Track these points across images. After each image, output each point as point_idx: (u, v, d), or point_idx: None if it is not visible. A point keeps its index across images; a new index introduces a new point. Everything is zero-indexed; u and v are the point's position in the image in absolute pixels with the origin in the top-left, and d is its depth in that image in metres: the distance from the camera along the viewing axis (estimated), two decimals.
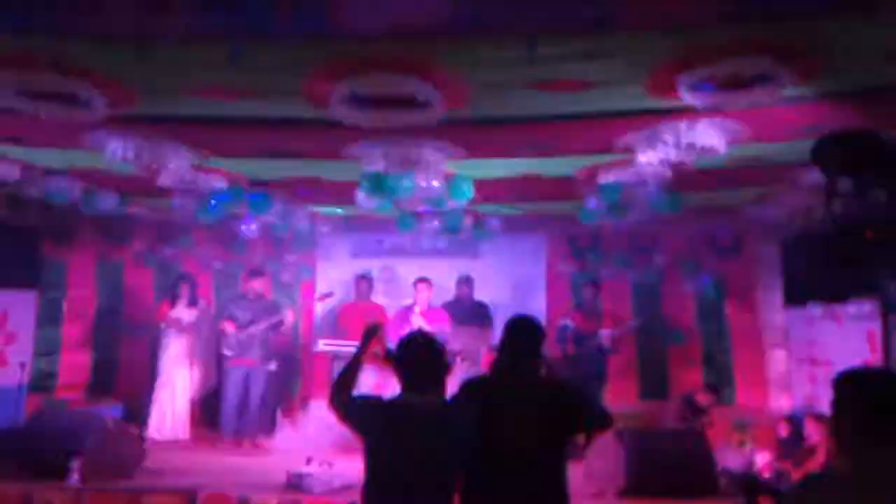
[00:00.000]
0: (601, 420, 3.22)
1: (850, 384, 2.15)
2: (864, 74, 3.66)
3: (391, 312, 7.93)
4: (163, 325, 7.60)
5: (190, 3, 3.06)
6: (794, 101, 3.92)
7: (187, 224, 7.53)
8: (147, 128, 4.62)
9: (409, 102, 3.88)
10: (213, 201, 6.16)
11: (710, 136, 4.34)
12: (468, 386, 3.20)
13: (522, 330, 3.25)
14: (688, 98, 3.76)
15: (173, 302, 7.67)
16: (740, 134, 4.39)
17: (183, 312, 7.65)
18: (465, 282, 7.87)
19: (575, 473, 5.69)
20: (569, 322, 7.50)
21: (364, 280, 8.08)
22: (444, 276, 7.94)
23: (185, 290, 7.70)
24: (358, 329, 7.41)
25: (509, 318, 3.31)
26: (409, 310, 7.12)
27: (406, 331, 6.85)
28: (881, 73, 3.62)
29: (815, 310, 6.94)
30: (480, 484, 3.01)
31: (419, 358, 3.02)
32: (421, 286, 7.20)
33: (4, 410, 6.65)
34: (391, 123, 4.07)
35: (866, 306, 6.11)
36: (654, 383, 8.00)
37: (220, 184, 5.84)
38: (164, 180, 5.46)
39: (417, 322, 6.95)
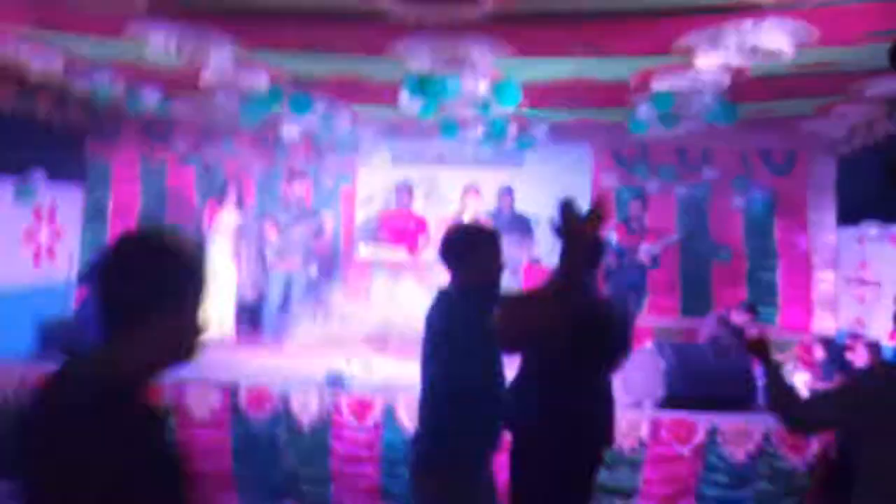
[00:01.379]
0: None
1: None
2: None
3: (432, 221, 7.88)
4: (207, 227, 7.65)
5: None
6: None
7: (230, 124, 7.47)
8: (190, 18, 4.50)
9: None
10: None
11: (776, 38, 4.09)
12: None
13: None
14: None
15: (221, 203, 7.69)
16: (808, 35, 4.13)
17: (230, 214, 7.68)
18: (506, 193, 7.75)
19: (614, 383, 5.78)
20: (613, 235, 7.38)
21: (405, 189, 8.01)
22: (486, 186, 7.82)
23: (232, 192, 7.72)
24: (398, 237, 7.53)
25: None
26: (457, 218, 7.03)
27: None
28: None
29: (870, 229, 6.73)
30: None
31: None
32: (470, 194, 7.06)
33: (55, 304, 6.84)
34: (438, 16, 3.90)
35: None
36: (696, 300, 7.89)
37: (261, 81, 5.72)
38: (206, 76, 5.38)
39: None
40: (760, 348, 2.79)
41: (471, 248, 3.03)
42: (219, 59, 5.01)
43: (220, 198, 7.74)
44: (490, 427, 2.97)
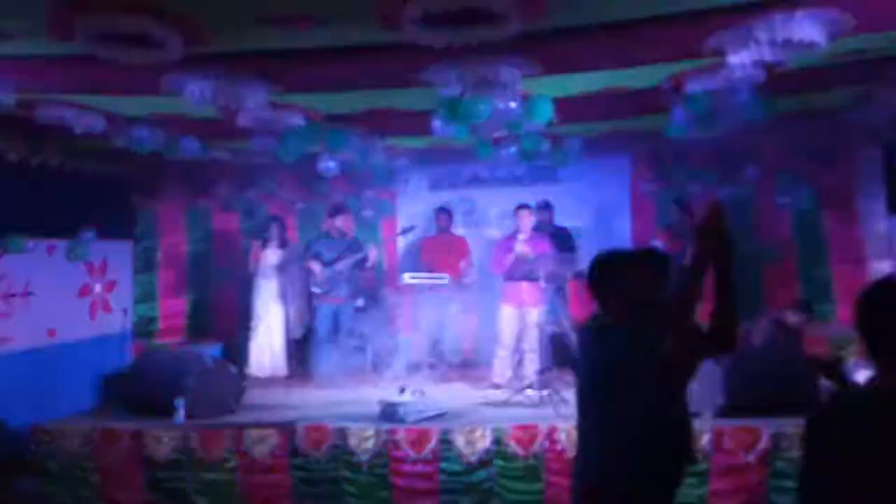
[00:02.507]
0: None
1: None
2: None
3: (473, 243, 7.88)
4: (253, 267, 7.76)
5: None
6: None
7: (269, 166, 7.60)
8: (222, 66, 4.60)
9: (482, 18, 3.72)
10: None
11: (808, 30, 4.00)
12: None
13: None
14: None
15: (265, 244, 7.82)
16: (843, 24, 4.04)
17: (274, 254, 7.80)
18: (545, 207, 7.71)
19: None
20: (657, 243, 7.28)
21: (444, 213, 8.04)
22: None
23: (275, 232, 7.86)
24: (441, 262, 7.54)
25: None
26: (511, 238, 7.02)
27: (510, 259, 6.86)
28: None
29: None
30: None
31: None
32: (522, 213, 7.07)
33: (112, 355, 6.98)
34: (465, 40, 3.91)
35: None
36: (747, 302, 7.71)
37: (297, 120, 5.81)
38: (243, 120, 5.49)
39: (522, 249, 6.84)
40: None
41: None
42: (254, 104, 5.10)
43: (263, 239, 7.86)
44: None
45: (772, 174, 7.64)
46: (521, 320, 6.84)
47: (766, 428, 4.83)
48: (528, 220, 6.97)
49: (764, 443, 4.78)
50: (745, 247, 7.50)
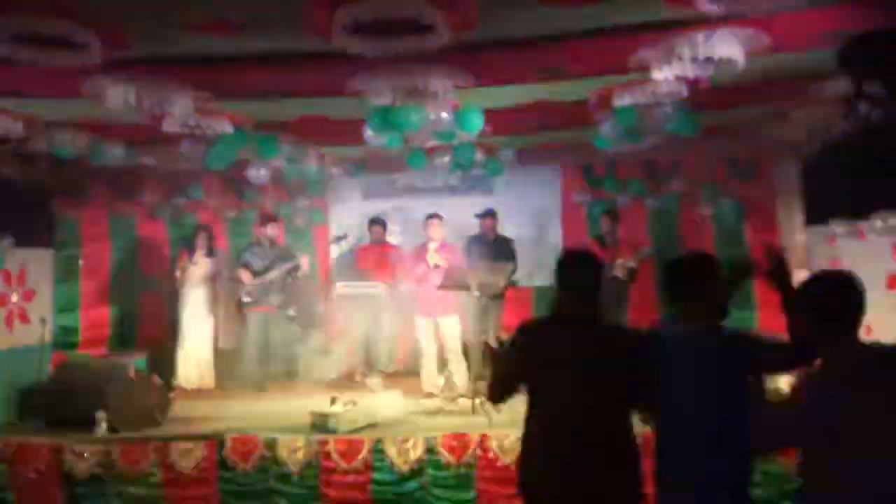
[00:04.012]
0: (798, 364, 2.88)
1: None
2: None
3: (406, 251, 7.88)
4: (178, 277, 7.58)
5: None
6: (817, 4, 3.74)
7: (197, 173, 7.45)
8: (146, 71, 4.50)
9: (413, 27, 3.74)
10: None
11: (727, 47, 4.15)
12: (528, 326, 3.15)
13: (578, 265, 3.12)
14: (707, 4, 3.60)
15: (191, 253, 7.64)
16: (759, 43, 4.20)
17: (201, 263, 7.64)
18: (488, 216, 7.75)
19: None
20: None
21: (377, 223, 7.99)
22: (459, 212, 7.84)
23: (202, 241, 7.68)
24: (375, 271, 7.50)
25: (562, 253, 3.22)
26: (423, 248, 7.05)
27: (421, 269, 6.88)
28: None
29: (837, 228, 6.81)
30: (538, 427, 3.02)
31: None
32: (432, 222, 7.12)
33: (30, 367, 6.71)
34: (395, 50, 3.93)
35: (891, 220, 5.97)
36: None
37: (225, 127, 5.71)
38: (168, 126, 5.37)
39: (433, 259, 6.87)
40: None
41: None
42: (179, 109, 5.00)
43: (189, 247, 7.69)
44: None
45: (696, 186, 7.87)
46: (437, 329, 6.86)
47: None
48: (437, 230, 7.05)
49: None
50: (671, 256, 7.82)
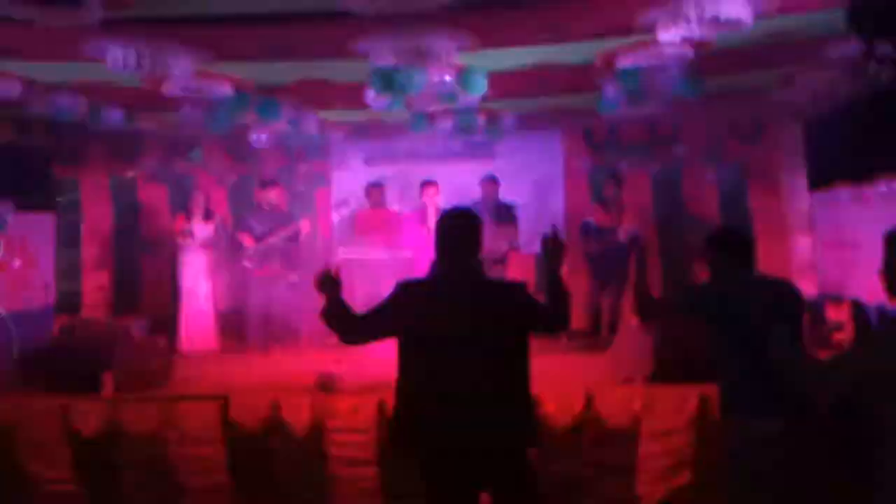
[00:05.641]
0: (553, 322, 3.16)
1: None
2: None
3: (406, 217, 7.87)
4: (179, 241, 7.57)
5: None
6: None
7: (197, 136, 7.41)
8: (146, 32, 4.45)
9: None
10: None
11: (735, 8, 4.11)
12: (406, 285, 3.11)
13: (456, 227, 3.09)
14: None
15: (188, 217, 7.62)
16: (767, 4, 4.16)
17: (198, 226, 7.62)
18: (490, 181, 7.71)
19: (602, 362, 5.79)
20: (591, 219, 7.40)
21: (376, 188, 7.94)
22: (461, 178, 7.81)
23: (199, 204, 7.64)
24: (376, 237, 7.49)
25: (443, 213, 3.20)
26: (422, 213, 7.03)
27: (422, 234, 6.87)
28: None
29: (842, 192, 6.79)
30: (420, 382, 2.98)
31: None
32: (430, 190, 7.10)
33: (33, 331, 6.74)
34: (399, 8, 3.88)
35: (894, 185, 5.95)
36: (677, 275, 7.94)
37: (226, 90, 5.67)
38: (168, 89, 5.33)
39: (432, 224, 6.87)
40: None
41: None
42: (179, 71, 4.96)
43: (186, 211, 7.65)
44: None
45: (700, 150, 7.83)
46: None
47: (693, 392, 4.96)
48: (434, 197, 7.04)
49: (692, 407, 4.91)
50: (674, 221, 7.83)
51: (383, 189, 7.96)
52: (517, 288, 3.16)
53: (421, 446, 2.98)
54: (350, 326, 3.13)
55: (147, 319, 7.49)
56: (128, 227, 8.29)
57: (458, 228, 3.06)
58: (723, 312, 3.31)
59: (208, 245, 7.63)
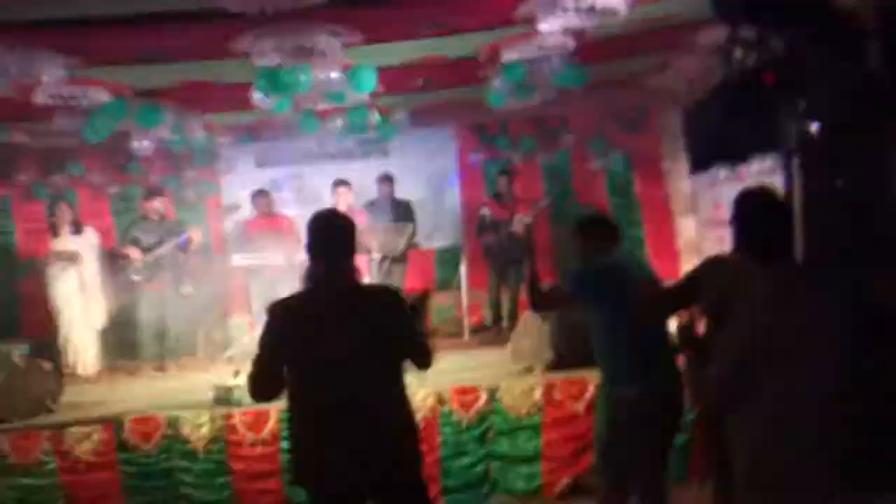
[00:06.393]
0: (419, 352, 2.88)
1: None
2: None
3: (303, 221, 7.71)
4: (48, 259, 7.09)
5: None
6: None
7: (76, 147, 7.05)
8: (10, 36, 4.19)
9: None
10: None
11: None
12: (277, 306, 2.80)
13: (328, 228, 2.87)
14: None
15: (54, 233, 7.15)
16: None
17: (67, 241, 7.11)
18: (385, 179, 7.68)
19: (503, 353, 5.86)
20: (486, 211, 7.49)
21: (261, 195, 7.72)
22: (357, 177, 7.73)
23: (63, 219, 7.11)
24: (267, 243, 7.30)
25: (311, 216, 2.92)
26: None
27: None
28: None
29: (719, 172, 7.12)
30: (304, 401, 2.78)
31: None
32: (340, 190, 7.01)
33: None
34: (277, 6, 3.80)
35: (768, 161, 6.29)
36: (570, 262, 8.11)
37: (102, 96, 5.41)
38: (40, 97, 5.05)
39: None
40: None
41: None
42: (50, 78, 4.70)
43: (52, 225, 7.16)
44: None
45: (586, 139, 8.06)
46: None
47: (591, 378, 5.08)
48: (346, 197, 6.97)
49: (590, 392, 5.03)
50: (565, 209, 8.02)
51: (269, 196, 7.73)
52: (392, 297, 2.91)
53: (306, 485, 2.83)
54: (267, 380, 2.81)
55: (30, 343, 7.05)
56: (4, 246, 7.82)
57: (329, 230, 2.86)
58: (590, 293, 3.48)
59: (80, 261, 7.12)
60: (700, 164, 7.37)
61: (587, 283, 3.52)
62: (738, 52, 3.96)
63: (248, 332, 7.09)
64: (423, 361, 2.90)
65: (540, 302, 3.94)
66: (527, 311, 6.17)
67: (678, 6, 4.78)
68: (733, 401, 2.54)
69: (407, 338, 2.83)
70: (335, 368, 2.69)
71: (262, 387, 2.78)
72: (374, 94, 5.85)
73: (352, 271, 2.86)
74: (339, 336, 2.69)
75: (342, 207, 6.84)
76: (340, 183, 7.05)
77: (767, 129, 5.61)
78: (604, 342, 3.50)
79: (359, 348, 2.69)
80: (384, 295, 2.97)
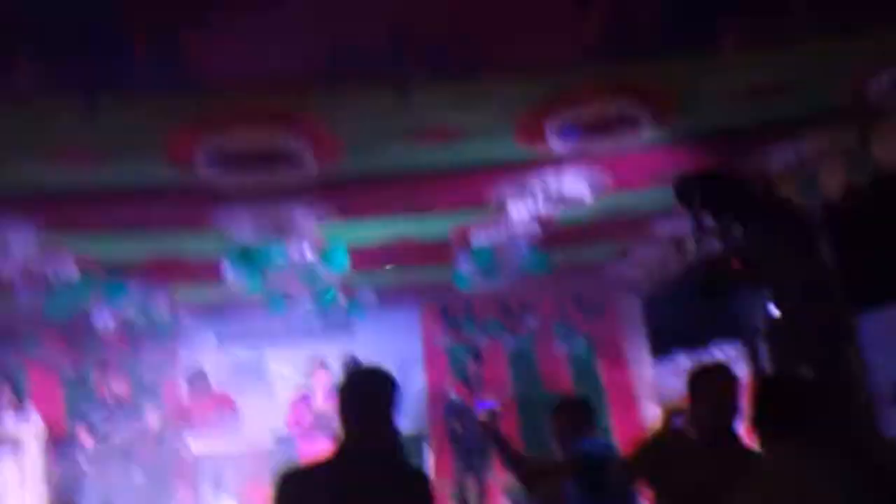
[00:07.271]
0: None
1: None
2: (714, 115, 3.93)
3: (266, 405, 7.53)
4: None
5: (39, 53, 2.85)
6: (654, 146, 4.13)
7: (31, 322, 6.87)
8: None
9: (278, 160, 3.78)
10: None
11: (575, 186, 4.48)
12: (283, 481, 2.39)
13: (366, 389, 2.50)
14: (555, 144, 3.89)
15: None
16: (604, 182, 4.57)
17: (9, 425, 6.72)
18: (353, 364, 7.58)
19: None
20: (456, 397, 7.40)
21: (197, 377, 7.55)
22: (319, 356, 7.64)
23: (6, 397, 6.80)
24: (209, 421, 7.00)
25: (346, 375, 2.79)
26: (307, 398, 6.80)
27: (309, 420, 6.59)
28: (730, 114, 3.90)
29: (681, 359, 7.21)
30: None
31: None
32: (319, 372, 6.94)
33: None
34: (260, 182, 3.92)
35: (729, 349, 6.42)
36: (539, 449, 7.92)
37: (69, 269, 5.36)
38: (5, 268, 4.98)
39: (321, 407, 6.64)
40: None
41: None
42: (18, 247, 4.66)
43: None
44: None
45: (549, 324, 8.17)
46: None
47: None
48: (323, 379, 6.88)
49: None
50: (531, 395, 7.94)
51: (205, 377, 7.58)
52: (424, 486, 2.52)
53: None
54: None
55: None
56: None
57: (369, 387, 2.50)
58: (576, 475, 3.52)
59: (24, 446, 6.67)
60: (660, 350, 7.57)
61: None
62: (697, 237, 4.20)
63: None
64: None
65: (522, 474, 3.87)
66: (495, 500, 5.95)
67: (638, 197, 5.06)
68: None
69: None
70: None
71: None
72: (343, 274, 5.91)
73: (392, 437, 2.49)
74: None
75: (319, 392, 6.73)
76: (320, 364, 6.99)
77: (729, 317, 5.83)
78: None
79: None
80: (417, 483, 2.52)
